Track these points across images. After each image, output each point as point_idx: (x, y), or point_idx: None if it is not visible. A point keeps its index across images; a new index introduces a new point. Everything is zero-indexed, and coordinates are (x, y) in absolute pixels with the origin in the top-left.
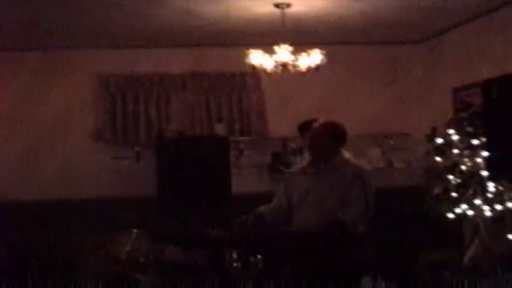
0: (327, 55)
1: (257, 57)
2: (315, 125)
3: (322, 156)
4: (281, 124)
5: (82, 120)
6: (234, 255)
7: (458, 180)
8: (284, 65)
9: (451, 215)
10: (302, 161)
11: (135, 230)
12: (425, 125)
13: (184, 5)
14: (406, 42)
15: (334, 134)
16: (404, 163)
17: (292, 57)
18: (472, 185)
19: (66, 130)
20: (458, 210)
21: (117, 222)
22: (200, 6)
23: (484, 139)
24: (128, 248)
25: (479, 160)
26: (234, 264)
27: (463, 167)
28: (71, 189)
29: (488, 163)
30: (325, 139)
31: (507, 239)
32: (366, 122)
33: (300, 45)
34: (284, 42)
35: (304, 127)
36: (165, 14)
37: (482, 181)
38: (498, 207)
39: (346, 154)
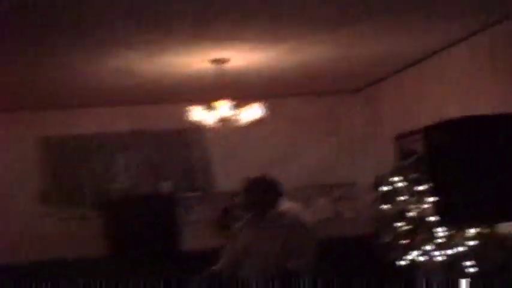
0: (268, 108)
1: (198, 113)
2: (247, 181)
3: (258, 210)
4: (228, 178)
5: (27, 183)
6: None
7: (407, 227)
8: (225, 120)
9: (402, 262)
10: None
11: None
12: (371, 173)
13: (123, 64)
14: (346, 91)
15: (265, 188)
16: (353, 212)
17: (233, 112)
18: (421, 231)
19: (11, 192)
20: (409, 257)
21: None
22: (138, 64)
23: (429, 185)
24: None
25: (426, 206)
26: None
27: (411, 214)
28: (18, 253)
29: (436, 209)
30: (256, 194)
31: (460, 283)
32: (313, 173)
33: (240, 98)
34: (223, 97)
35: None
36: (104, 73)
37: (431, 226)
38: (449, 251)
39: (293, 205)
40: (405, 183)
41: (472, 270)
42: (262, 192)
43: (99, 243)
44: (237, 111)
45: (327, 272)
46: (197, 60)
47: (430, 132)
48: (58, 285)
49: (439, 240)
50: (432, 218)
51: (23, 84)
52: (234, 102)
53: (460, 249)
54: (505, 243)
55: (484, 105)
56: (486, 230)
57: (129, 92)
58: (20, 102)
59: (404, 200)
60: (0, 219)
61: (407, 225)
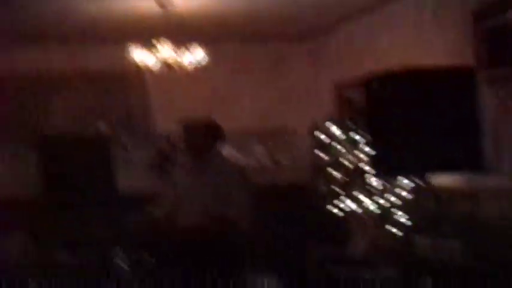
0: (210, 52)
1: (140, 55)
2: (190, 123)
3: (198, 154)
4: (167, 121)
5: None
6: (123, 255)
7: (342, 176)
8: (167, 62)
9: (335, 210)
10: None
11: (20, 233)
12: (309, 121)
13: (66, 2)
14: (291, 38)
15: (208, 132)
16: (289, 160)
17: (175, 55)
18: (356, 181)
19: None
20: (342, 205)
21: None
22: (81, 3)
23: (366, 135)
24: (13, 250)
25: (362, 156)
26: (122, 264)
27: (347, 163)
28: None
29: (371, 159)
30: (198, 137)
31: (391, 232)
32: (252, 119)
33: (183, 42)
34: (167, 39)
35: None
36: (46, 11)
37: (365, 176)
38: (381, 201)
39: (231, 151)
40: (343, 133)
41: (404, 221)
42: (202, 135)
43: (33, 183)
44: (180, 55)
45: (263, 220)
46: (142, 1)
47: (370, 82)
48: None
49: (373, 190)
50: (367, 168)
51: None
52: (177, 46)
53: (394, 200)
54: (438, 196)
55: (428, 57)
56: (420, 182)
57: (70, 31)
58: None
59: (340, 149)
60: None
61: (342, 174)
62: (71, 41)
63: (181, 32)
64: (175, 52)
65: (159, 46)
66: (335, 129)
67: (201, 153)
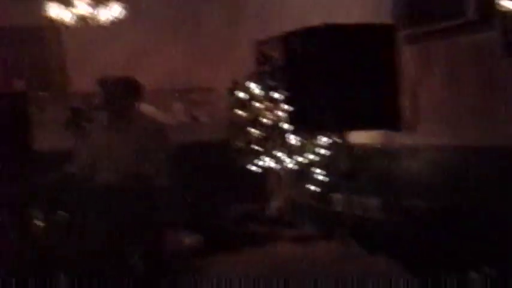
0: (127, 8)
1: (55, 10)
2: (108, 80)
3: (115, 112)
4: (84, 79)
5: None
6: (37, 213)
7: (260, 134)
8: (84, 18)
9: (253, 168)
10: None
11: None
12: (228, 79)
13: None
14: None
15: (126, 90)
16: (208, 117)
17: (91, 10)
18: (274, 138)
19: None
20: (260, 163)
21: None
22: None
23: (285, 92)
24: None
25: (280, 113)
26: (37, 222)
27: (265, 120)
28: None
29: (289, 116)
30: (118, 94)
31: (309, 190)
32: (169, 76)
33: None
34: None
35: (105, 82)
36: None
37: (283, 134)
38: (299, 159)
39: (149, 108)
40: (261, 90)
41: (321, 178)
42: (121, 92)
43: None
44: (96, 9)
45: (181, 176)
46: None
47: (289, 38)
48: None
49: (291, 148)
50: (286, 126)
51: None
52: (93, 0)
53: (311, 157)
54: (353, 152)
55: (346, 16)
56: (337, 139)
57: None
58: None
59: (259, 107)
60: None
61: (261, 131)
62: None
63: None
64: (91, 7)
65: (75, 1)
66: (254, 87)
67: (119, 110)
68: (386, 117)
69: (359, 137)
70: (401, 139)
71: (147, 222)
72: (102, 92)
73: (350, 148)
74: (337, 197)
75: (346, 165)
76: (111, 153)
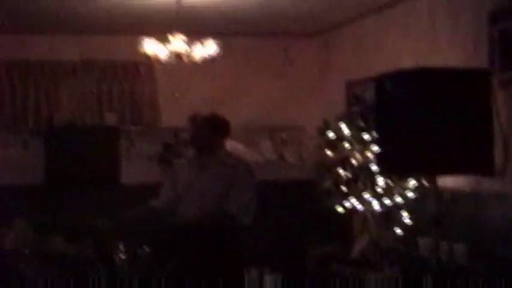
0: (222, 46)
1: (151, 46)
2: (197, 117)
3: (204, 148)
4: (174, 115)
5: None
6: (121, 247)
7: (349, 175)
8: (178, 55)
9: (340, 209)
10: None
11: (20, 220)
12: (318, 118)
13: None
14: (301, 34)
15: (215, 127)
16: (296, 156)
17: (187, 47)
18: (362, 180)
19: None
20: (347, 204)
21: (1, 212)
22: None
23: (375, 134)
24: (12, 238)
25: (369, 155)
26: (121, 256)
27: (354, 162)
28: None
29: (378, 158)
30: (205, 132)
31: (394, 233)
32: (259, 114)
33: (195, 35)
34: (179, 31)
35: (194, 119)
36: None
37: (372, 176)
38: (387, 201)
39: (237, 146)
40: (351, 131)
41: (408, 221)
42: (211, 130)
43: (40, 171)
44: (191, 47)
45: (266, 216)
46: None
47: (381, 80)
48: None
49: (379, 190)
50: (374, 167)
51: None
52: (188, 38)
53: (398, 199)
54: (442, 197)
55: (440, 59)
56: (425, 183)
57: (81, 21)
58: None
59: (348, 147)
60: None
61: (349, 172)
62: (81, 31)
63: (194, 24)
64: (187, 44)
65: (170, 38)
66: (344, 127)
67: (207, 147)
68: (479, 162)
69: (447, 181)
70: (491, 184)
71: (229, 262)
72: (191, 129)
73: (438, 192)
74: (423, 241)
75: (433, 210)
76: (197, 189)
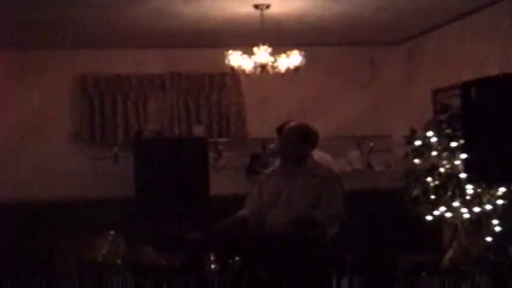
0: (306, 56)
1: (236, 58)
2: (285, 127)
3: (292, 158)
4: (260, 126)
5: (59, 121)
6: (212, 257)
7: (437, 183)
8: (263, 67)
9: (429, 217)
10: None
11: (112, 232)
12: (404, 126)
13: (163, 5)
14: (385, 43)
15: (304, 137)
16: (384, 165)
17: (271, 59)
18: (450, 188)
19: (44, 131)
20: (436, 213)
21: (94, 224)
22: (179, 6)
23: (462, 141)
24: (105, 250)
25: (457, 162)
26: (212, 266)
27: (442, 170)
28: (48, 190)
29: (467, 165)
30: (294, 142)
31: (485, 241)
32: (346, 124)
33: (279, 46)
34: (263, 43)
35: (282, 129)
36: (143, 13)
37: (460, 183)
38: (476, 209)
39: (325, 156)
40: (438, 138)
41: (497, 229)
42: (299, 140)
43: (130, 183)
44: (276, 58)
45: (353, 225)
46: (239, 4)
47: (467, 87)
48: (87, 224)
49: (468, 198)
50: (463, 175)
51: (61, 22)
52: (273, 49)
53: (488, 207)
54: None
55: None
56: None
57: (167, 34)
58: (57, 40)
59: (436, 155)
60: (33, 156)
61: (437, 180)
62: (168, 44)
63: (278, 36)
64: (271, 56)
65: (255, 50)
66: (431, 135)
67: (295, 157)
68: None
69: None
70: None
71: (317, 271)
72: (279, 139)
73: None
74: None
75: None
76: (285, 199)
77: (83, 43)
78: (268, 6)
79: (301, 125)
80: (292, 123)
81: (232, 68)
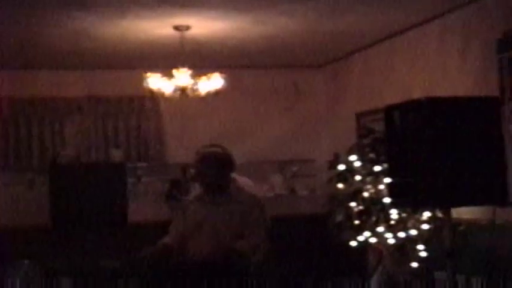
0: (228, 79)
1: (155, 81)
2: (198, 154)
3: (211, 185)
4: (181, 150)
5: None
6: (131, 287)
7: (361, 208)
8: (183, 90)
9: (353, 243)
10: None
11: (26, 261)
12: (328, 151)
13: (81, 26)
14: (308, 66)
15: (219, 163)
16: (307, 190)
17: (192, 81)
18: (374, 212)
19: None
20: (361, 238)
21: (8, 253)
22: (96, 27)
23: (386, 165)
24: (19, 280)
25: (381, 187)
26: None
27: (366, 194)
28: None
29: (390, 190)
30: (210, 169)
31: (410, 266)
32: (268, 148)
33: (200, 68)
34: (183, 65)
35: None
36: (60, 35)
37: (384, 208)
38: (401, 234)
39: (247, 181)
40: (362, 163)
41: (422, 254)
42: (216, 166)
43: (46, 210)
44: (196, 81)
45: (277, 251)
46: (159, 26)
47: (391, 111)
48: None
49: (392, 222)
50: (386, 200)
51: None
52: (193, 72)
53: (413, 232)
54: (458, 229)
55: (450, 87)
56: (439, 214)
57: (86, 56)
58: None
59: (360, 180)
60: None
61: (361, 205)
62: (85, 66)
63: (198, 58)
64: (192, 78)
65: (175, 72)
66: (355, 159)
67: (214, 184)
68: (492, 193)
69: (462, 212)
70: (506, 214)
71: None
72: (198, 164)
73: (453, 224)
74: (440, 274)
75: (449, 242)
76: (208, 226)
77: None
78: (188, 28)
79: (217, 152)
80: (205, 149)
81: (151, 91)
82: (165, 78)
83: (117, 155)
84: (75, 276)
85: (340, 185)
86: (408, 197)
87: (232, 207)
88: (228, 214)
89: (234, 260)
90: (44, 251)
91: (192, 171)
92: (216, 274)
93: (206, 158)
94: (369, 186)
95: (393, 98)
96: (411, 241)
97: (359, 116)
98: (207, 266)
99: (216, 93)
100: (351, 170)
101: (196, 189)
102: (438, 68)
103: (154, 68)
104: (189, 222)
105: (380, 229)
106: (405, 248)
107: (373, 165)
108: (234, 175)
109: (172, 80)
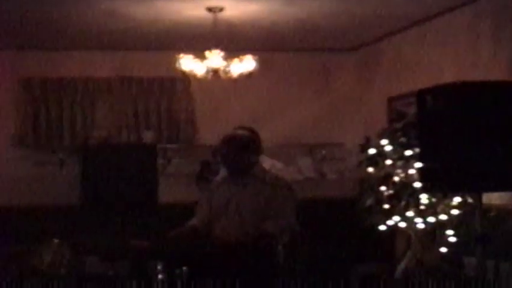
0: (260, 62)
1: (188, 63)
2: (224, 137)
3: (236, 168)
4: (211, 132)
5: (2, 125)
6: (159, 267)
7: (391, 192)
8: (215, 71)
9: (383, 227)
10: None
11: (56, 240)
12: (358, 134)
13: (112, 6)
14: (341, 49)
15: (243, 146)
16: (337, 173)
17: (224, 63)
18: (404, 197)
19: None
20: (390, 222)
21: (38, 232)
22: (129, 7)
23: (417, 150)
24: (48, 258)
25: (412, 171)
26: (159, 276)
27: (396, 178)
28: None
29: (421, 174)
30: (234, 152)
31: (439, 251)
32: (298, 131)
33: (232, 51)
34: (216, 47)
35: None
36: (92, 15)
37: (415, 193)
38: (430, 219)
39: (276, 163)
40: (393, 147)
41: (452, 239)
42: (237, 148)
43: (76, 190)
44: (228, 63)
45: (305, 234)
46: (192, 7)
47: (423, 95)
48: (31, 232)
49: (422, 207)
50: (417, 184)
51: (4, 22)
52: (225, 54)
53: (442, 217)
54: (488, 214)
55: (481, 72)
56: (470, 199)
57: (117, 37)
58: (1, 41)
59: (390, 164)
60: None
61: (391, 189)
62: (117, 47)
63: (231, 40)
64: (224, 60)
65: (207, 54)
66: (386, 144)
67: (244, 165)
68: None
69: (494, 198)
70: None
71: (268, 281)
72: (221, 146)
73: (484, 209)
74: (469, 260)
75: (479, 228)
76: (235, 208)
77: (28, 44)
78: (221, 10)
79: (239, 135)
80: (231, 132)
81: (183, 72)
82: (197, 60)
83: (148, 136)
84: (104, 255)
85: (370, 169)
86: (439, 182)
87: (257, 188)
88: (252, 195)
89: (262, 241)
90: (74, 231)
91: (220, 153)
92: (242, 252)
93: (228, 140)
94: (399, 171)
95: (424, 82)
96: (441, 226)
97: (390, 100)
98: (234, 247)
99: (248, 76)
100: (381, 154)
101: (224, 171)
102: (470, 53)
103: (186, 49)
104: (215, 204)
105: (410, 214)
106: (434, 233)
107: (404, 150)
108: (262, 157)
109: (205, 61)
